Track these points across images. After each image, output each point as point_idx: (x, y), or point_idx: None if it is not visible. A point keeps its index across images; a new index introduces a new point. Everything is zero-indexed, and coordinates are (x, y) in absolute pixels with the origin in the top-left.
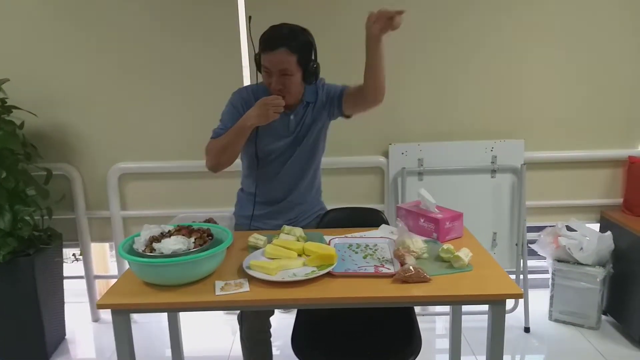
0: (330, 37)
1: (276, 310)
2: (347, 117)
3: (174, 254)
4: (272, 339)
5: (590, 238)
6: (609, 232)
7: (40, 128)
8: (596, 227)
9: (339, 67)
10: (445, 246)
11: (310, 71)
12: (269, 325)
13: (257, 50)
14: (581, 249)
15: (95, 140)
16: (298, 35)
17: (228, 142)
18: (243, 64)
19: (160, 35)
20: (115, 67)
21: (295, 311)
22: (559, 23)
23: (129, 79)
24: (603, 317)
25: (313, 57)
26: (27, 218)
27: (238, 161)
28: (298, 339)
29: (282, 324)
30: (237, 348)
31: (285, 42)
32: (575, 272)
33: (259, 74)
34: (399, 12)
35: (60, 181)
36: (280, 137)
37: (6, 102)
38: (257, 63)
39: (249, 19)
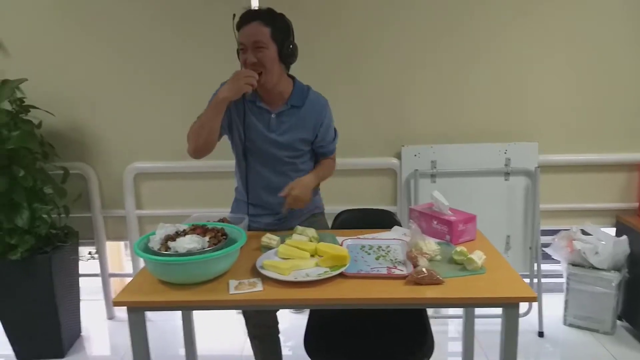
0: (335, 40)
1: (289, 311)
2: None
3: (189, 253)
4: (284, 339)
5: (606, 242)
6: (624, 237)
7: (58, 127)
8: (612, 231)
9: (342, 66)
10: (458, 248)
11: (286, 51)
12: (276, 322)
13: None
14: (596, 253)
15: (111, 140)
16: (272, 12)
17: (204, 120)
18: None
19: (177, 36)
20: (132, 67)
21: (307, 311)
22: (573, 25)
23: (146, 79)
24: (618, 322)
25: (290, 38)
26: (45, 216)
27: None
28: (310, 340)
29: (294, 324)
30: (249, 347)
31: (258, 16)
32: (590, 276)
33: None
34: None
35: (77, 180)
36: (260, 133)
37: (24, 102)
38: (238, 54)
39: (232, 16)
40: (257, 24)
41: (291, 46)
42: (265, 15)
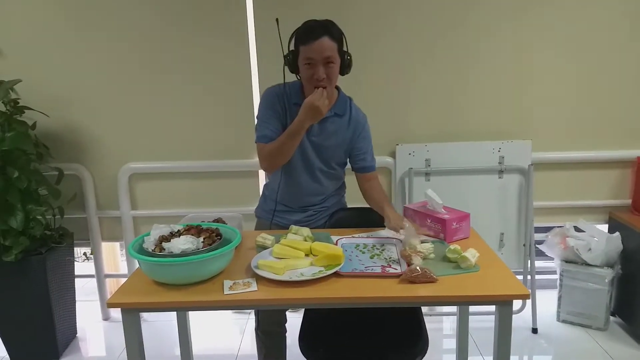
0: None
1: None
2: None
3: (183, 254)
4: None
5: (599, 239)
6: (617, 233)
7: (52, 128)
8: (604, 227)
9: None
10: (452, 246)
11: (345, 62)
12: (285, 320)
13: (286, 51)
14: (589, 249)
15: (106, 141)
16: (334, 25)
17: (284, 145)
18: (252, 64)
19: (171, 35)
20: (126, 67)
21: (302, 310)
22: (566, 24)
23: (140, 80)
24: (611, 318)
25: (345, 49)
26: (39, 217)
27: (248, 162)
28: (305, 338)
29: (289, 323)
30: (245, 347)
31: (327, 31)
32: (583, 273)
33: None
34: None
35: (72, 181)
36: None
37: (18, 103)
38: (290, 62)
39: (276, 21)
40: (328, 39)
41: (349, 57)
42: (332, 29)
